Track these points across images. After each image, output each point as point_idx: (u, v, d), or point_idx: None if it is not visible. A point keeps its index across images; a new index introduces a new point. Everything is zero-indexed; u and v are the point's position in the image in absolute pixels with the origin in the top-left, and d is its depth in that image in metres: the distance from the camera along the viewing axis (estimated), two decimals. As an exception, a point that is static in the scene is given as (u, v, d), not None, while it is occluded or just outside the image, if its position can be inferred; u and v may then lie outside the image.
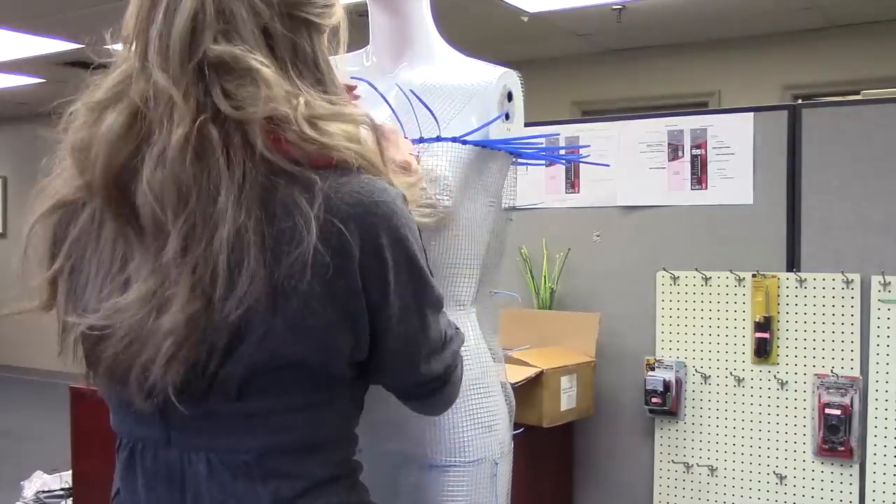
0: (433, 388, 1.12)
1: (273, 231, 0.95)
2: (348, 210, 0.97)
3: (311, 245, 0.94)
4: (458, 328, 1.17)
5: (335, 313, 0.98)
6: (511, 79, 1.55)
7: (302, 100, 0.98)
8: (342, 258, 0.96)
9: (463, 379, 1.47)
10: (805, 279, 2.51)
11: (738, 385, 2.60)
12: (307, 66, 1.03)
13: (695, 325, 2.66)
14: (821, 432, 2.46)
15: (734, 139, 2.64)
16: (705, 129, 2.69)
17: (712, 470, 2.63)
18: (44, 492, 4.20)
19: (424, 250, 1.06)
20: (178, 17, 0.97)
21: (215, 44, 0.96)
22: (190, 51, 0.96)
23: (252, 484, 1.01)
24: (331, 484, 1.06)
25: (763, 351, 2.55)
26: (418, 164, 1.38)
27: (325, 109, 1.00)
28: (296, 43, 1.02)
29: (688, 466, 2.66)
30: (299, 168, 0.97)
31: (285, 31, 1.01)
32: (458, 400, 1.46)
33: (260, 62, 0.97)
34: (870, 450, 2.42)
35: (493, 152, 1.51)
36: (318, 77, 1.04)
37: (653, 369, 2.69)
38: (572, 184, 2.89)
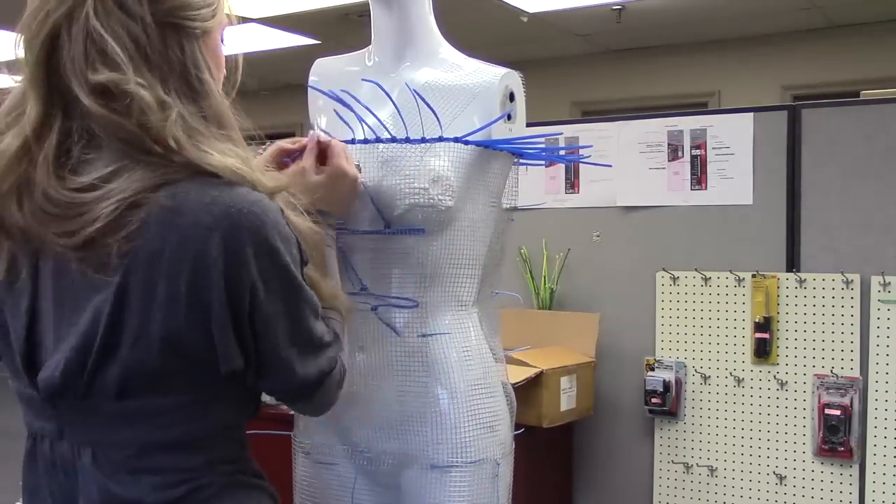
0: (309, 391, 1.14)
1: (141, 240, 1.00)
2: (212, 220, 1.00)
3: (175, 254, 0.99)
4: (337, 335, 1.18)
5: (201, 320, 1.02)
6: (513, 79, 1.55)
7: (174, 113, 1.02)
8: (206, 268, 1.00)
9: (464, 379, 1.48)
10: (805, 279, 2.51)
11: (738, 385, 2.60)
12: (180, 79, 1.06)
13: (695, 325, 2.66)
14: (820, 432, 2.46)
15: (734, 139, 2.64)
16: (705, 130, 2.69)
17: (712, 470, 2.63)
18: (43, 491, 4.19)
19: (303, 259, 1.09)
20: (74, 49, 1.02)
21: (96, 73, 1.01)
22: (84, 79, 1.01)
23: (135, 477, 1.06)
24: (216, 484, 1.09)
25: (763, 351, 2.55)
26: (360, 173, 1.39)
27: (199, 124, 1.04)
28: (169, 56, 1.05)
29: (687, 467, 2.66)
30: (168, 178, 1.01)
31: (158, 44, 1.04)
32: (460, 400, 1.47)
33: (138, 84, 1.01)
34: (870, 450, 2.42)
35: (495, 152, 1.51)
36: (192, 88, 1.07)
37: (652, 369, 2.69)
38: (572, 184, 2.89)
